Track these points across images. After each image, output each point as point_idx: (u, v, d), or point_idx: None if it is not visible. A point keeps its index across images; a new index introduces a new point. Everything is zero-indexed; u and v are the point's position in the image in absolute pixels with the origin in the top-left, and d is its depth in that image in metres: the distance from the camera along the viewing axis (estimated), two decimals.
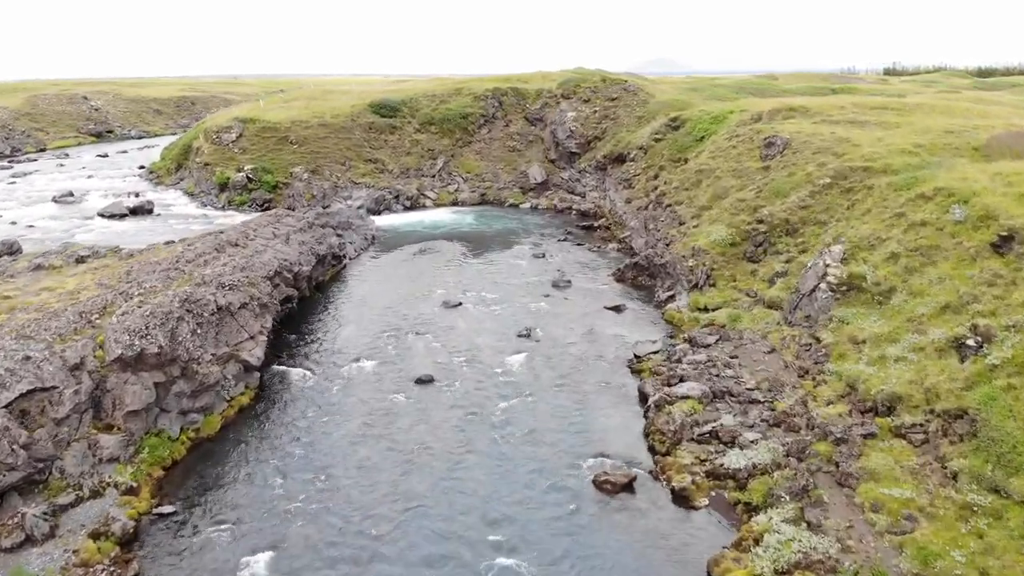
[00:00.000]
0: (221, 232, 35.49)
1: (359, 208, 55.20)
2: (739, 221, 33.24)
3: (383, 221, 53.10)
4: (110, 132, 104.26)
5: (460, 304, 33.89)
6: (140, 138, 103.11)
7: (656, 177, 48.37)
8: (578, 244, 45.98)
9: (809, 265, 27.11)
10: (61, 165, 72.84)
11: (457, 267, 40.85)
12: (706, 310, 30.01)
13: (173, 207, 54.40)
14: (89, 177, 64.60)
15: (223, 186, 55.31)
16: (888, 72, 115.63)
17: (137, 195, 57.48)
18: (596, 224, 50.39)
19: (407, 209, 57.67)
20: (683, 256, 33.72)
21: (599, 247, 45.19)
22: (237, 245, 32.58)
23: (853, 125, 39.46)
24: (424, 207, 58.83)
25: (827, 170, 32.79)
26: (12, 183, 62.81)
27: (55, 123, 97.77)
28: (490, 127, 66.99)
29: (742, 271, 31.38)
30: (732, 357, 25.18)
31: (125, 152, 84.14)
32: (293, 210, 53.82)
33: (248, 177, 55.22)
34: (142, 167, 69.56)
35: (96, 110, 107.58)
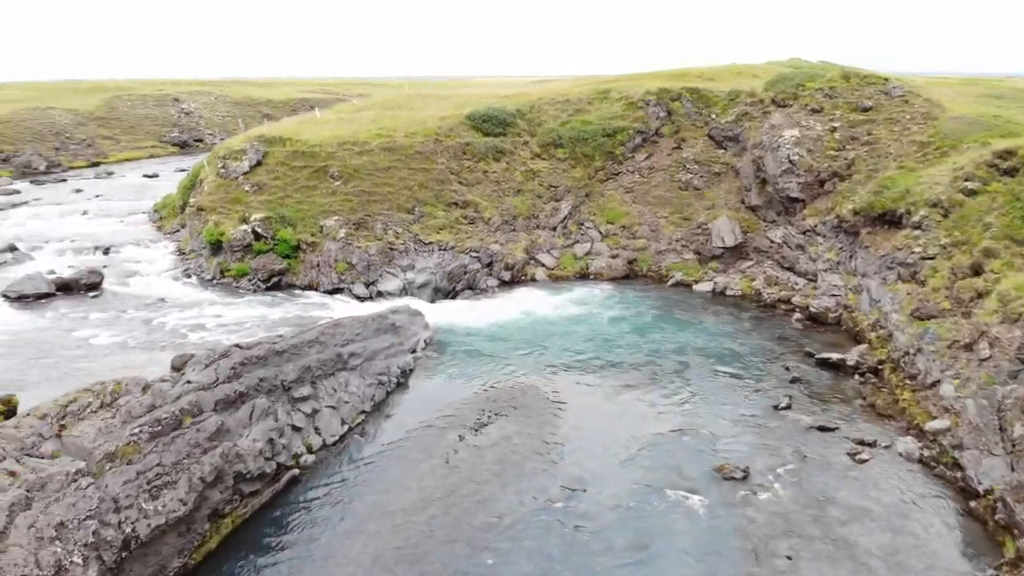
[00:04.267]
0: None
1: (421, 287, 34.39)
2: None
3: (451, 313, 32.12)
4: (199, 141, 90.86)
5: None
6: None
7: (978, 271, 24.36)
8: (820, 404, 22.61)
9: None
10: (78, 191, 58.04)
11: (573, 465, 18.89)
12: None
13: (138, 277, 36.11)
14: (84, 214, 48.39)
15: (216, 246, 36.32)
16: None
17: (107, 251, 39.92)
18: (849, 362, 26.09)
19: (503, 285, 36.35)
20: None
21: (865, 436, 21.44)
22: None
23: None
24: (532, 281, 37.22)
25: None
26: None
27: (131, 130, 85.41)
28: (650, 150, 44.23)
29: None
30: None
31: (183, 171, 68.82)
32: (316, 288, 33.90)
33: (256, 232, 35.91)
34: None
35: (186, 114, 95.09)
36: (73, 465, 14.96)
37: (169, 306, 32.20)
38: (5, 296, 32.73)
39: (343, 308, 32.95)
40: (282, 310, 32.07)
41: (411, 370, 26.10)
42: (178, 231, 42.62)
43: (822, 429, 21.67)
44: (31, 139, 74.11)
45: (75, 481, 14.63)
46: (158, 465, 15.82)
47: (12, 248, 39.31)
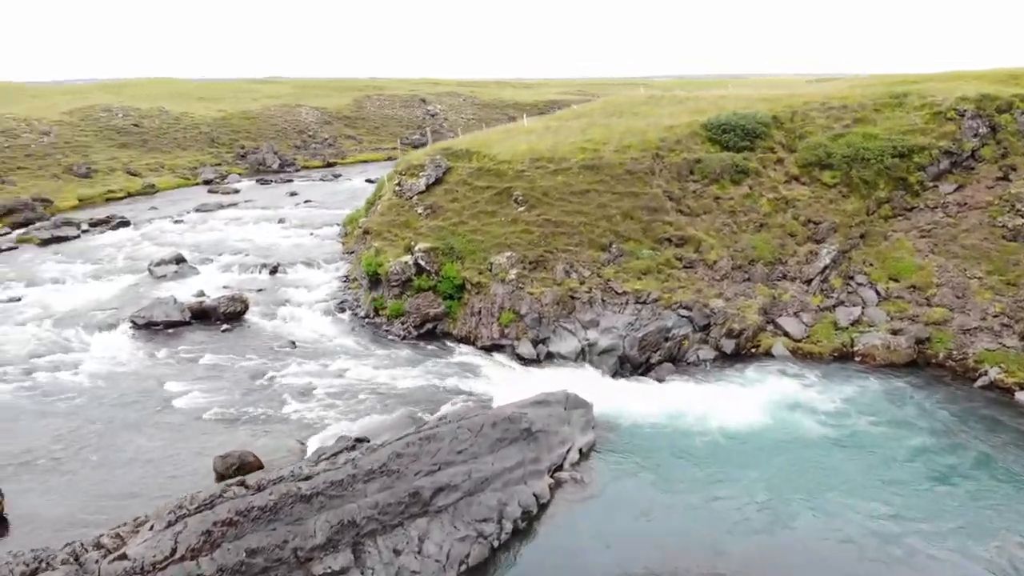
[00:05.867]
0: None
1: (603, 353, 26.11)
2: None
3: (636, 398, 23.49)
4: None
5: None
6: None
7: None
8: None
9: None
10: (292, 194, 56.61)
11: None
12: None
13: (287, 308, 31.60)
14: (280, 222, 45.91)
15: (374, 278, 30.69)
16: None
17: (274, 270, 36.17)
18: None
19: (723, 358, 26.93)
20: None
21: None
22: None
23: None
24: (766, 356, 27.32)
25: None
26: (172, 228, 46.80)
27: (376, 130, 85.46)
28: (961, 180, 31.78)
29: None
30: None
31: None
32: (473, 342, 27.22)
33: (418, 265, 29.73)
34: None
35: (431, 116, 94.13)
36: None
37: (295, 354, 26.91)
38: (133, 322, 29.55)
39: (498, 373, 25.57)
40: (420, 371, 25.37)
41: (545, 504, 17.86)
42: (353, 252, 38.04)
43: None
44: (274, 136, 76.18)
45: None
46: None
47: (179, 260, 36.96)
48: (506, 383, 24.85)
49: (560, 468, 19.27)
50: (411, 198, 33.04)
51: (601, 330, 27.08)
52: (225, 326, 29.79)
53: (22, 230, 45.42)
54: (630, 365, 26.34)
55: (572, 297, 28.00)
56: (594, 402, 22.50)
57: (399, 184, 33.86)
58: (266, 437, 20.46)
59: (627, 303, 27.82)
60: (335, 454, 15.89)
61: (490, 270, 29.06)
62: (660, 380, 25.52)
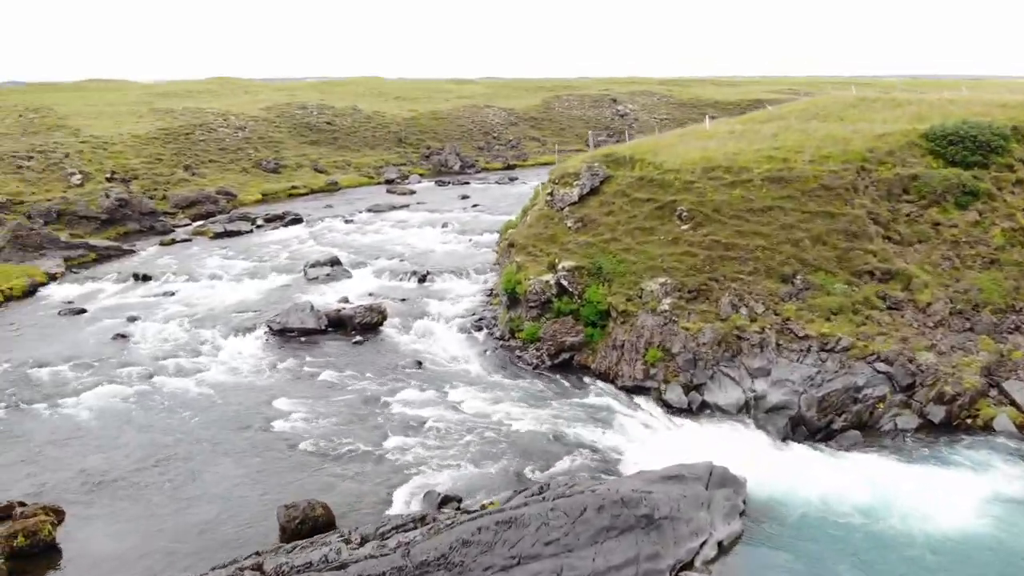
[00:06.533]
0: None
1: (772, 411, 21.56)
2: None
3: (809, 476, 18.79)
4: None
5: None
6: None
7: None
8: None
9: None
10: (464, 197, 55.12)
11: None
12: None
13: (424, 322, 29.56)
14: (443, 227, 44.34)
15: (512, 297, 27.78)
16: None
17: (423, 279, 34.38)
18: None
19: (928, 429, 21.46)
20: None
21: None
22: None
23: None
24: (985, 431, 21.46)
25: None
26: (338, 229, 46.45)
27: (561, 132, 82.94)
28: None
29: None
30: None
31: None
32: (612, 380, 23.79)
33: (560, 285, 26.46)
34: None
35: (620, 116, 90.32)
36: None
37: (416, 376, 24.57)
38: (268, 326, 28.57)
39: (636, 424, 21.71)
40: (545, 412, 22.00)
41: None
42: (500, 264, 35.43)
43: None
44: (459, 137, 75.68)
45: None
46: None
47: (334, 262, 36.08)
48: (643, 438, 20.96)
49: (689, 567, 15.18)
50: (562, 209, 29.70)
51: (772, 381, 22.33)
52: (358, 337, 28.13)
53: (201, 222, 47.18)
54: (805, 429, 21.40)
55: (738, 337, 23.40)
56: (749, 476, 18.11)
57: (550, 193, 30.65)
58: (352, 481, 18.04)
59: (808, 350, 22.80)
60: (391, 529, 12.97)
61: (640, 297, 25.09)
62: (843, 452, 20.47)
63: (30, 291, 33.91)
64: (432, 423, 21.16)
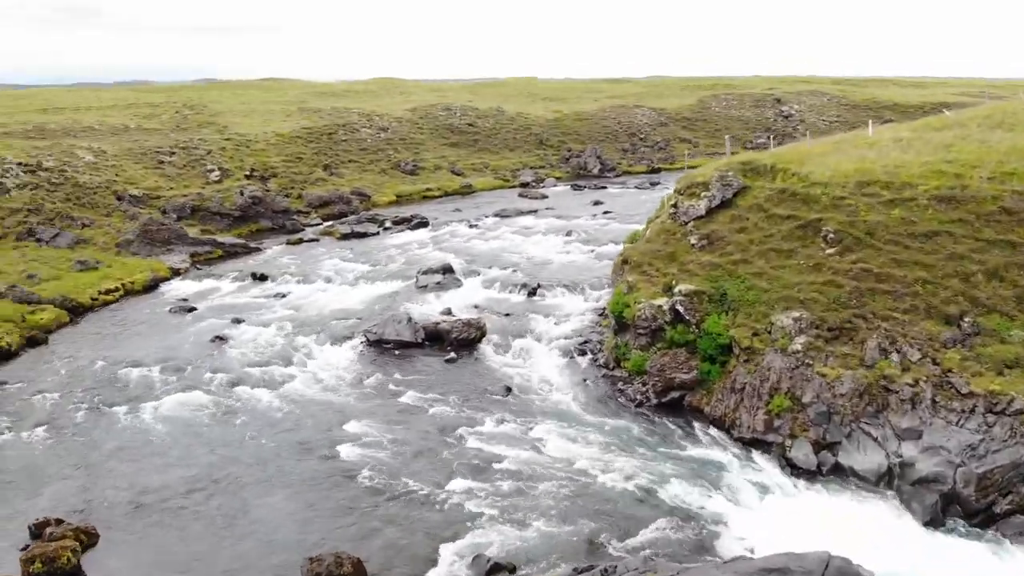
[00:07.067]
0: None
1: (919, 483, 17.61)
2: None
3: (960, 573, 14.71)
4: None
5: None
6: None
7: None
8: None
9: None
10: (596, 203, 52.09)
11: None
12: None
13: (524, 340, 27.21)
14: (567, 235, 41.82)
15: (621, 322, 24.87)
16: None
17: (533, 292, 32.12)
18: None
19: None
20: None
21: None
22: None
23: None
24: None
25: None
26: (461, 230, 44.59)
27: (716, 133, 77.89)
28: None
29: None
30: None
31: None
32: (728, 429, 20.75)
33: (676, 311, 23.33)
34: None
35: (784, 117, 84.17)
36: None
37: (503, 405, 22.29)
38: (365, 336, 27.21)
39: (750, 487, 18.39)
40: (639, 462, 19.04)
41: None
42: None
43: None
44: (603, 139, 72.63)
45: None
46: None
47: (447, 270, 34.45)
48: (754, 505, 17.66)
49: None
50: (686, 224, 26.40)
51: (923, 447, 18.26)
52: (452, 354, 26.25)
53: (331, 223, 47.16)
54: (960, 509, 17.25)
55: (886, 389, 19.42)
56: (881, 570, 14.43)
57: (674, 205, 27.41)
58: (398, 528, 15.96)
59: (972, 411, 18.51)
60: None
61: (769, 332, 21.52)
62: (1006, 542, 16.29)
63: (151, 286, 34.55)
64: (506, 464, 18.77)
